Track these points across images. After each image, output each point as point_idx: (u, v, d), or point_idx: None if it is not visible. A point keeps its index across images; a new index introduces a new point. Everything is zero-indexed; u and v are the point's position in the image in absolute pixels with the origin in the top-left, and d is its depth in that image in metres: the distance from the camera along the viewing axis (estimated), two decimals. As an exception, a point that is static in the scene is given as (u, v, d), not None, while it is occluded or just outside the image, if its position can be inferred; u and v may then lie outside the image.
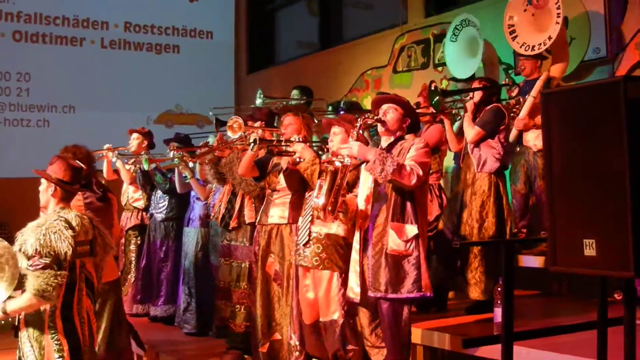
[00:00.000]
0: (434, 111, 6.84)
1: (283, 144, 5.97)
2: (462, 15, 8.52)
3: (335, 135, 5.70)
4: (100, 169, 8.64)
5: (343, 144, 5.30)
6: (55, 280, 4.35)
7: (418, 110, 7.14)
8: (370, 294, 5.08)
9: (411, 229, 4.98)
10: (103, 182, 7.69)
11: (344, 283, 5.50)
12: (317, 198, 5.22)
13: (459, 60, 8.51)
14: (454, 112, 6.78)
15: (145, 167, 8.12)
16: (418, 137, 6.92)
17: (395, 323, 5.03)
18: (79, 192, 5.47)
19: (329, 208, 5.03)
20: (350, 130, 5.42)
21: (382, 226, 5.05)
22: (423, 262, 4.98)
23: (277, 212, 6.18)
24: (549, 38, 6.88)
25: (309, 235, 5.64)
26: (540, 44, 6.94)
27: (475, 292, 6.29)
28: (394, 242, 4.97)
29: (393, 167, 4.82)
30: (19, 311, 4.45)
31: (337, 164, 5.07)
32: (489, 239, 6.28)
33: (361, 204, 5.24)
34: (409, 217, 5.00)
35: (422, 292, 4.96)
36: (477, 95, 6.61)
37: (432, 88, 6.58)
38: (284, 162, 6.05)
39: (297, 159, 5.90)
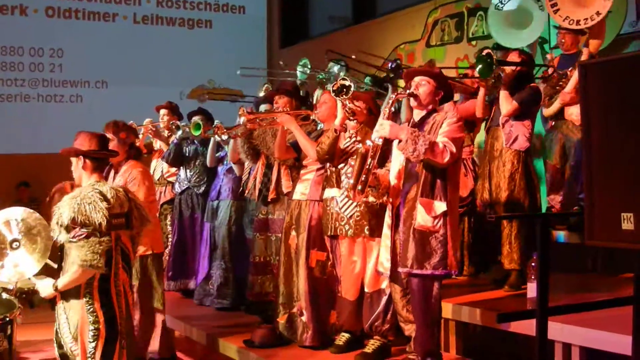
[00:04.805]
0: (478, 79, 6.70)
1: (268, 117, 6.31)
2: None
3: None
4: None
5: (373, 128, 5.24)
6: (100, 247, 4.37)
7: (462, 81, 7.06)
8: (399, 269, 5.08)
9: (440, 206, 4.92)
10: None
11: None
12: (348, 178, 5.21)
13: (504, 29, 8.20)
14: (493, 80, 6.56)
15: (195, 133, 7.87)
16: (453, 108, 6.88)
17: (424, 299, 5.03)
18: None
19: (359, 188, 5.00)
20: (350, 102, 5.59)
21: (412, 202, 5.00)
22: (450, 239, 4.93)
23: (300, 189, 6.25)
24: (597, 14, 6.77)
25: (347, 207, 5.65)
26: (587, 19, 6.83)
27: (506, 263, 6.25)
28: (422, 217, 4.92)
29: (425, 147, 4.74)
30: (70, 285, 4.46)
31: (368, 143, 5.04)
32: (519, 211, 6.24)
33: (392, 180, 5.19)
34: (438, 194, 4.94)
35: (447, 269, 4.93)
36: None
37: (484, 54, 6.26)
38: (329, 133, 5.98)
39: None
